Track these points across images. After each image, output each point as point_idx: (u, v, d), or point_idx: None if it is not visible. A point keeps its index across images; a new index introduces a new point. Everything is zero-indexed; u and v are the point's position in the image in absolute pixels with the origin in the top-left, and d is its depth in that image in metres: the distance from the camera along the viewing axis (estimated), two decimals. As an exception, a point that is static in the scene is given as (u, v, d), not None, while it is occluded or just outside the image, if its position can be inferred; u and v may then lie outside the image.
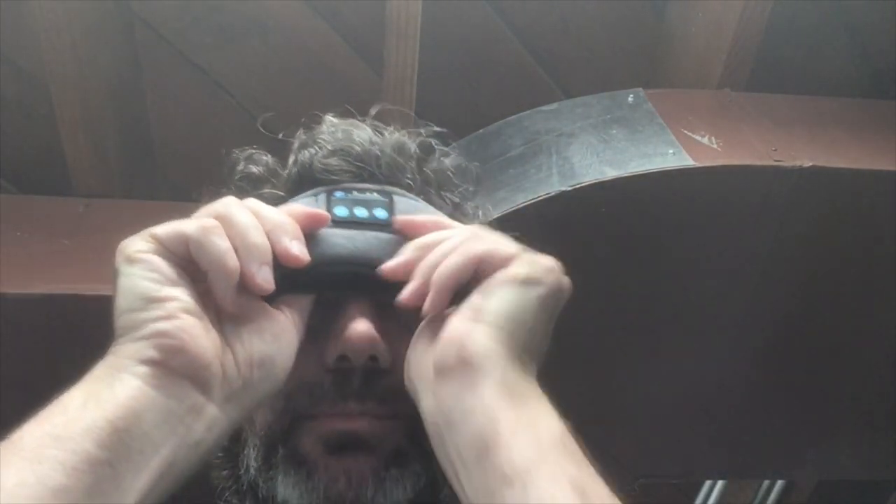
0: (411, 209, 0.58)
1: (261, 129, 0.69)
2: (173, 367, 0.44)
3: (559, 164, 0.92)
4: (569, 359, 1.03)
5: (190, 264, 0.48)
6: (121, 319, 0.47)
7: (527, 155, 0.95)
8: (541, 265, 0.51)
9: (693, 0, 1.08)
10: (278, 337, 0.49)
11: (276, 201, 0.59)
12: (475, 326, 0.47)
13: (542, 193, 0.89)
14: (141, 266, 0.47)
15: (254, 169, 0.65)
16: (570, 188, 0.89)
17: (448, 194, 0.66)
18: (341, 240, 0.53)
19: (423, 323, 0.51)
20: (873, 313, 1.07)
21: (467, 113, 1.15)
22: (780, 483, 1.71)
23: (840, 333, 1.09)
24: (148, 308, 0.46)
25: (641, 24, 1.15)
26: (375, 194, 0.57)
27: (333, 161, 0.60)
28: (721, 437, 1.17)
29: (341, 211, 0.55)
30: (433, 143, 0.68)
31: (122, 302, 0.48)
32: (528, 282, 0.49)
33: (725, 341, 1.06)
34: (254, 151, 0.66)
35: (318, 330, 0.53)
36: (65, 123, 1.00)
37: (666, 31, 1.15)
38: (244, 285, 0.47)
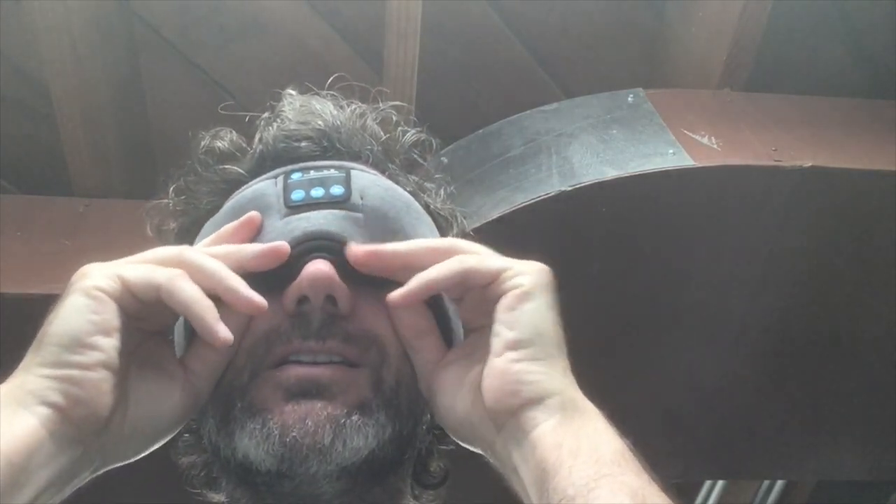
0: (369, 183, 0.58)
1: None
2: (71, 416, 0.46)
3: (559, 164, 0.92)
4: (568, 358, 1.03)
5: (145, 308, 0.49)
6: (45, 341, 0.48)
7: (527, 155, 0.94)
8: (533, 271, 0.52)
9: (693, 0, 1.08)
10: (173, 395, 0.51)
11: (238, 178, 0.62)
12: (520, 364, 0.49)
13: (542, 193, 0.89)
14: (90, 305, 0.48)
15: (218, 144, 0.66)
16: (570, 188, 0.89)
17: (410, 173, 0.67)
18: (298, 223, 0.55)
19: (446, 368, 0.53)
20: (873, 313, 1.07)
21: (467, 113, 1.15)
22: (780, 483, 1.71)
23: (840, 333, 1.09)
24: (73, 350, 0.47)
25: (641, 24, 1.15)
26: (333, 171, 0.58)
27: (294, 136, 0.61)
28: (721, 437, 1.17)
29: (297, 194, 0.56)
30: (393, 117, 0.68)
31: (56, 326, 0.49)
32: (535, 294, 0.51)
33: (725, 341, 1.06)
34: (220, 129, 0.67)
35: (279, 284, 0.53)
36: (65, 123, 1.01)
37: (666, 31, 1.15)
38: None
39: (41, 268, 0.92)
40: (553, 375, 0.50)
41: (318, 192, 0.56)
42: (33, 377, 0.48)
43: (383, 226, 0.57)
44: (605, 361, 1.05)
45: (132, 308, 0.49)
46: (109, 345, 0.47)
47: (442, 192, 0.70)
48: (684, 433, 1.16)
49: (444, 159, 0.99)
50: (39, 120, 1.06)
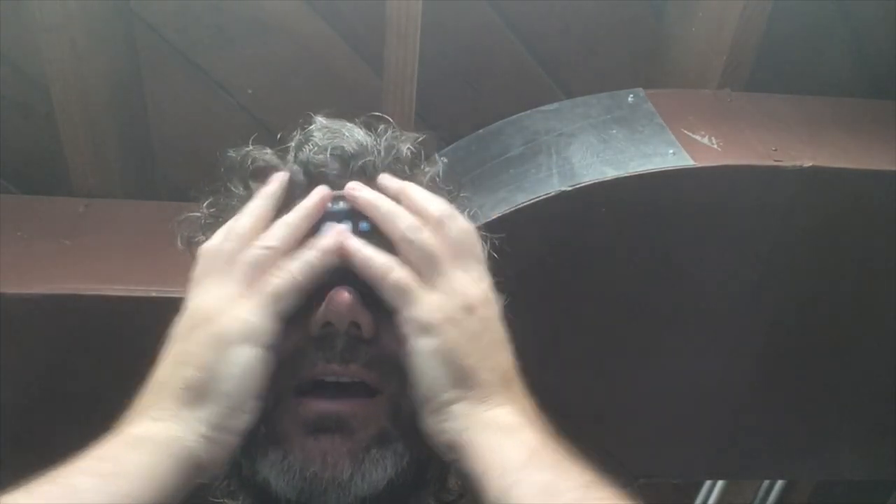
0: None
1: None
2: (207, 470, 0.49)
3: (559, 164, 0.92)
4: (569, 359, 1.03)
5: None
6: (211, 396, 0.49)
7: (527, 155, 0.94)
8: (424, 319, 0.52)
9: (693, 0, 1.08)
10: None
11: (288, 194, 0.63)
12: (431, 422, 0.51)
13: (542, 193, 0.89)
14: (259, 363, 0.50)
15: (261, 163, 0.66)
16: (570, 188, 0.89)
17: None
18: None
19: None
20: (873, 313, 1.07)
21: (467, 113, 1.15)
22: (780, 483, 1.71)
23: (840, 333, 1.09)
24: (236, 415, 0.49)
25: (641, 24, 1.15)
26: None
27: (327, 162, 0.62)
28: (721, 437, 1.17)
29: (325, 227, 0.58)
30: (421, 148, 0.70)
31: (226, 381, 0.50)
32: (422, 340, 0.52)
33: (725, 341, 1.06)
34: (252, 147, 0.67)
35: (304, 311, 0.54)
36: (65, 123, 1.01)
37: (666, 31, 1.15)
38: None
39: (41, 268, 0.92)
40: (455, 418, 0.51)
41: (346, 227, 0.57)
42: (193, 435, 0.48)
43: None
44: (605, 361, 1.05)
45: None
46: (258, 409, 0.50)
47: (466, 213, 0.71)
48: (684, 433, 1.16)
49: (444, 159, 0.99)
50: (39, 120, 1.06)
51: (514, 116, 1.00)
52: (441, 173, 0.69)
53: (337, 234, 0.55)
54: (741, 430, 1.17)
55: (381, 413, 0.53)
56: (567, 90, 1.17)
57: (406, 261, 0.54)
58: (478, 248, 0.58)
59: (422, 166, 0.68)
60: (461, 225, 0.57)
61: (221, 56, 1.09)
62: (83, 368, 0.91)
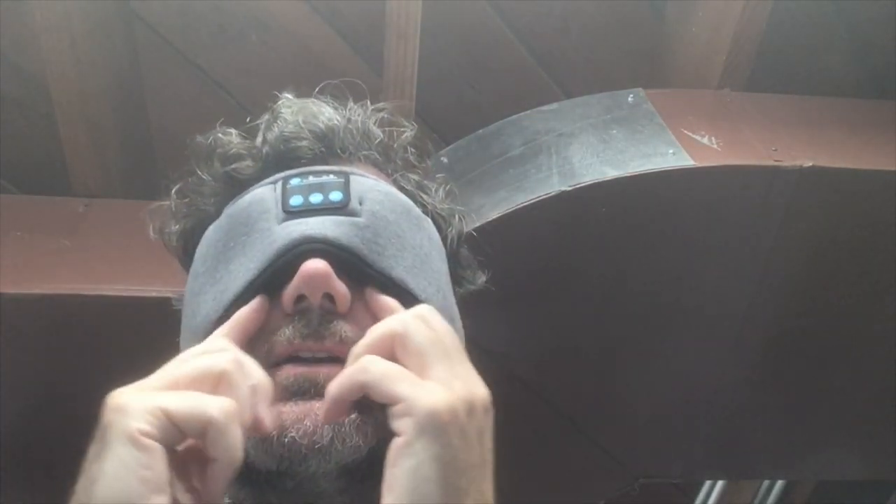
0: (368, 189, 0.59)
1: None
2: None
3: (559, 164, 0.92)
4: (569, 359, 1.03)
5: (184, 442, 0.45)
6: None
7: (527, 155, 0.94)
8: (422, 411, 0.44)
9: (693, 0, 1.08)
10: None
11: (239, 181, 0.62)
12: None
13: (542, 193, 0.89)
14: (139, 458, 0.42)
15: (220, 146, 0.66)
16: (570, 188, 0.89)
17: (409, 172, 0.68)
18: (296, 227, 0.55)
19: None
20: (873, 313, 1.07)
21: (467, 113, 1.15)
22: (780, 483, 1.71)
23: (840, 333, 1.09)
24: None
25: (641, 24, 1.15)
26: (332, 176, 0.58)
27: (294, 140, 0.61)
28: (721, 437, 1.17)
29: (296, 200, 0.57)
30: (391, 118, 0.69)
31: (102, 491, 0.41)
32: (417, 448, 0.44)
33: (725, 341, 1.06)
34: (221, 130, 0.67)
35: (278, 286, 0.54)
36: (65, 123, 1.01)
37: (666, 31, 1.15)
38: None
39: (41, 268, 0.92)
40: None
41: (316, 198, 0.57)
42: None
43: (382, 230, 0.57)
44: (605, 361, 1.05)
45: (174, 443, 0.44)
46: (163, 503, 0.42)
47: (441, 191, 0.70)
48: (684, 433, 1.16)
49: (444, 159, 0.99)
50: (39, 120, 1.06)
51: (514, 116, 1.00)
52: (411, 138, 0.69)
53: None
54: (741, 430, 1.17)
55: None
56: (567, 90, 1.17)
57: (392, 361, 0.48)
58: (461, 345, 0.52)
59: (392, 138, 0.67)
60: (442, 324, 0.51)
61: (221, 56, 1.09)
62: (83, 368, 0.91)
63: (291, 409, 0.50)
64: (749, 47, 1.05)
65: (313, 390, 0.51)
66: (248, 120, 0.68)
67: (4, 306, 0.88)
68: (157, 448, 0.43)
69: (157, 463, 0.42)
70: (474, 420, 0.46)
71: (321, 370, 0.51)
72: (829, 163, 0.94)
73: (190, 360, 0.48)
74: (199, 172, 0.66)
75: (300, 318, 0.53)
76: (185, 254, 0.67)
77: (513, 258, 0.89)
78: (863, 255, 1.01)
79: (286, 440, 0.49)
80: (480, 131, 1.00)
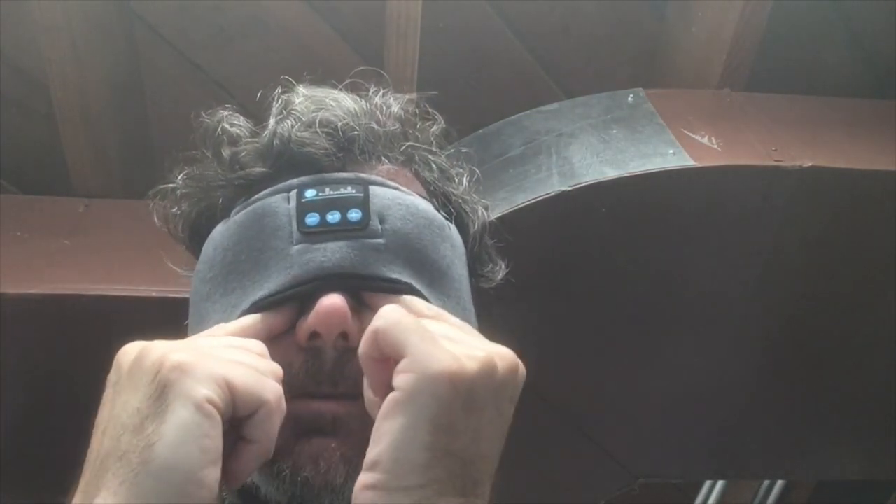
0: (388, 203, 0.55)
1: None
2: None
3: (559, 164, 0.92)
4: (569, 359, 1.03)
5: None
6: (144, 469, 0.39)
7: (527, 155, 0.94)
8: (422, 371, 0.42)
9: (693, 0, 1.08)
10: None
11: (250, 177, 0.58)
12: (366, 492, 0.41)
13: (542, 193, 0.89)
14: (203, 427, 0.40)
15: (235, 131, 0.63)
16: (570, 188, 0.89)
17: (434, 159, 0.64)
18: (314, 255, 0.52)
19: None
20: (873, 313, 1.07)
21: (467, 113, 1.14)
22: (780, 483, 1.71)
23: (840, 333, 1.09)
24: (182, 490, 0.39)
25: (641, 25, 1.15)
26: (350, 188, 0.54)
27: (310, 145, 0.57)
28: (721, 437, 1.17)
29: (312, 218, 0.53)
30: (414, 109, 0.65)
31: (161, 451, 0.39)
32: (409, 406, 0.41)
33: (725, 341, 1.06)
34: (228, 113, 0.64)
35: (294, 314, 0.52)
36: (65, 123, 1.00)
37: (666, 31, 1.15)
38: None
39: (41, 268, 0.92)
40: None
41: (334, 217, 0.53)
42: None
43: (404, 249, 0.54)
44: (605, 361, 1.05)
45: (226, 416, 0.43)
46: (215, 478, 0.41)
47: (465, 180, 0.67)
48: (684, 433, 1.16)
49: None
50: (39, 120, 1.06)
51: (514, 116, 1.00)
52: (440, 130, 0.65)
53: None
54: (741, 430, 1.17)
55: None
56: (567, 90, 1.17)
57: None
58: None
59: (415, 130, 0.63)
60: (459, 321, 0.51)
61: (221, 56, 1.09)
62: (83, 368, 0.91)
63: (307, 449, 0.49)
64: (749, 47, 1.05)
65: (329, 427, 0.50)
66: (257, 95, 0.64)
67: (4, 306, 0.88)
68: (218, 418, 0.41)
69: (217, 433, 0.41)
70: (488, 394, 0.43)
71: (339, 407, 0.50)
72: (829, 163, 0.94)
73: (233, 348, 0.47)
74: (208, 155, 0.63)
75: (314, 357, 0.51)
76: (192, 241, 0.65)
77: (512, 258, 0.89)
78: (862, 254, 1.01)
79: (299, 479, 0.48)
80: (480, 131, 1.00)
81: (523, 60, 1.15)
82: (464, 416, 0.42)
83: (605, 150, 0.93)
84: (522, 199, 0.89)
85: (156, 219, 0.66)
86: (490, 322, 0.88)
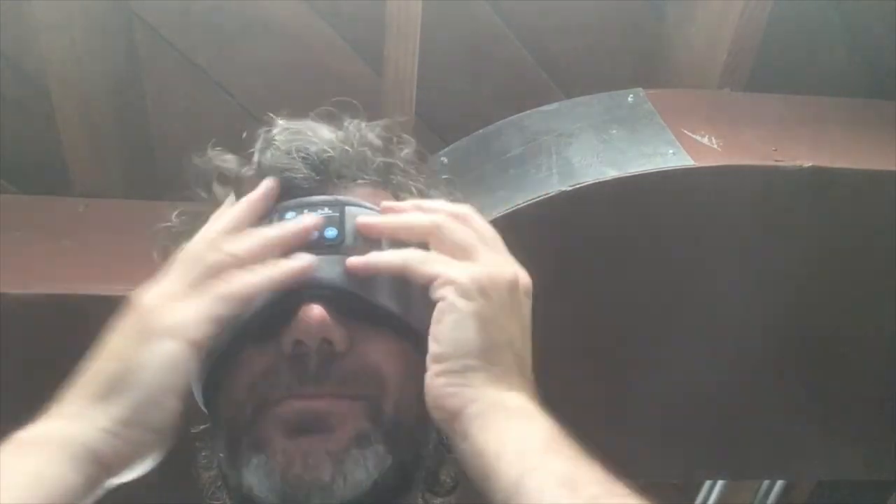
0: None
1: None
2: (113, 470, 0.47)
3: (559, 164, 0.92)
4: (569, 359, 1.03)
5: None
6: (118, 387, 0.48)
7: (527, 155, 0.94)
8: (461, 279, 0.51)
9: (693, 0, 1.08)
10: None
11: (241, 188, 0.63)
12: (440, 378, 0.50)
13: (542, 193, 0.89)
14: (184, 361, 0.48)
15: (223, 169, 0.66)
16: (570, 188, 0.89)
17: (413, 183, 0.67)
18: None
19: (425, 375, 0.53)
20: (873, 313, 1.07)
21: (467, 113, 1.14)
22: (780, 483, 1.71)
23: (840, 333, 1.09)
24: (148, 409, 0.47)
25: (641, 24, 1.15)
26: (327, 210, 0.58)
27: (289, 171, 0.61)
28: (721, 437, 1.17)
29: None
30: (390, 134, 0.68)
31: (138, 373, 0.48)
32: (457, 305, 0.51)
33: (725, 341, 1.06)
34: (215, 153, 0.67)
35: (276, 322, 0.54)
36: (65, 123, 1.00)
37: (666, 31, 1.15)
38: None
39: (41, 268, 0.92)
40: (471, 386, 0.50)
41: (311, 236, 0.57)
42: (93, 430, 0.47)
43: None
44: (605, 361, 1.05)
45: None
46: (178, 408, 0.48)
47: (444, 198, 0.70)
48: (684, 433, 1.16)
49: (444, 159, 0.99)
50: (39, 120, 1.06)
51: (514, 116, 1.00)
52: (415, 154, 0.69)
53: (305, 261, 0.54)
54: (741, 430, 1.17)
55: (359, 413, 0.53)
56: (567, 90, 1.17)
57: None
58: (502, 242, 0.58)
59: (390, 155, 0.66)
60: (484, 222, 0.58)
61: (221, 56, 1.09)
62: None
63: (295, 447, 0.51)
64: (749, 47, 1.05)
65: (315, 425, 0.52)
66: (243, 136, 0.67)
67: (4, 306, 0.88)
68: (198, 358, 0.49)
69: (193, 369, 0.49)
70: (515, 295, 0.53)
71: (322, 404, 0.52)
72: (829, 163, 0.94)
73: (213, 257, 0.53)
74: (199, 193, 0.67)
75: (298, 362, 0.53)
76: None
77: (512, 258, 0.89)
78: (863, 255, 1.01)
79: (290, 477, 0.50)
80: (480, 131, 1.00)
81: (523, 60, 1.15)
82: (510, 314, 0.52)
83: (605, 150, 0.93)
84: (522, 199, 0.89)
85: (155, 255, 0.69)
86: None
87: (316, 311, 0.52)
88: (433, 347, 0.51)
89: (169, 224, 0.69)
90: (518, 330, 0.53)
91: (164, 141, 1.13)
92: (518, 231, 0.89)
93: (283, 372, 0.53)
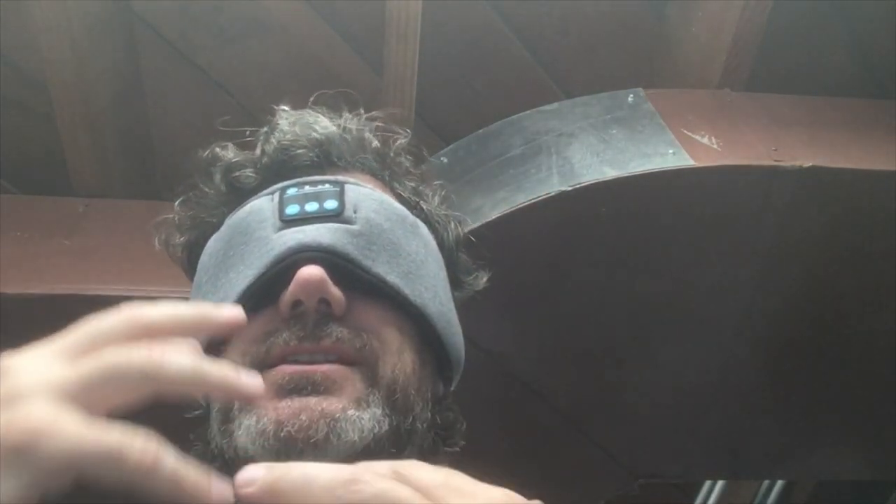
0: (363, 197, 0.60)
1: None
2: None
3: (559, 164, 0.92)
4: (569, 359, 1.03)
5: None
6: None
7: (527, 155, 0.95)
8: None
9: (693, 0, 1.08)
10: None
11: (240, 191, 0.63)
12: None
13: (542, 193, 0.89)
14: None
15: (220, 158, 0.67)
16: (570, 188, 0.89)
17: (408, 181, 0.68)
18: (292, 235, 0.56)
19: None
20: (873, 313, 1.07)
21: (467, 113, 1.15)
22: (780, 483, 1.71)
23: (840, 333, 1.09)
24: None
25: (641, 24, 1.15)
26: (327, 185, 0.60)
27: (290, 151, 0.63)
28: (721, 437, 1.17)
29: (292, 209, 0.58)
30: (387, 126, 0.70)
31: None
32: None
33: (725, 340, 1.06)
34: (221, 143, 0.68)
35: (275, 291, 0.55)
36: (65, 123, 1.01)
37: (666, 31, 1.15)
38: None
39: (41, 268, 0.92)
40: None
41: (312, 207, 0.58)
42: None
43: (376, 237, 0.58)
44: (605, 361, 1.05)
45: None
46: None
47: (438, 197, 0.71)
48: (684, 433, 1.16)
49: (444, 159, 0.99)
50: (39, 120, 1.06)
51: (514, 116, 1.00)
52: (405, 144, 0.70)
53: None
54: (741, 430, 1.17)
55: (356, 378, 0.53)
56: (567, 90, 1.17)
57: None
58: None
59: (387, 146, 0.68)
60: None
61: (221, 56, 1.09)
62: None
63: (287, 405, 0.51)
64: (749, 47, 1.05)
65: (309, 388, 0.52)
66: (247, 133, 0.69)
67: (4, 306, 0.88)
68: None
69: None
70: None
71: (317, 368, 0.52)
72: (829, 163, 0.94)
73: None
74: (202, 185, 0.67)
75: (296, 322, 0.54)
76: (190, 264, 0.68)
77: (513, 258, 0.89)
78: (862, 254, 1.01)
79: (282, 434, 0.50)
80: (480, 131, 1.00)
81: (523, 60, 1.15)
82: None
83: (606, 150, 0.93)
84: (522, 199, 0.89)
85: (157, 244, 0.70)
86: (490, 323, 0.88)
87: (315, 269, 0.53)
88: None
89: (171, 215, 0.69)
90: None
91: (164, 141, 1.13)
92: (518, 231, 0.89)
93: (281, 332, 0.53)
